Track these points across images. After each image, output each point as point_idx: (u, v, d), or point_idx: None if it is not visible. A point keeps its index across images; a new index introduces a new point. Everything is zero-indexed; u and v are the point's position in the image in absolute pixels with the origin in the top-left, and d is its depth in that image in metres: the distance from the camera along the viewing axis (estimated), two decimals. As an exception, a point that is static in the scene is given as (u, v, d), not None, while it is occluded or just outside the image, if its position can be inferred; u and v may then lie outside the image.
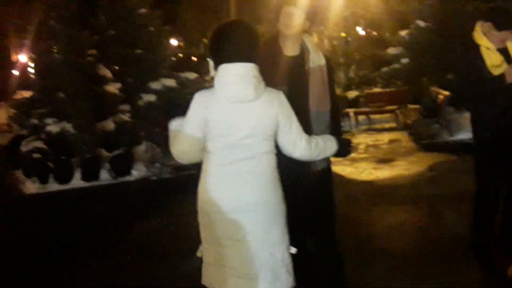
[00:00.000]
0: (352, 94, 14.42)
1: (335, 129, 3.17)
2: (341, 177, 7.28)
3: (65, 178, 8.32)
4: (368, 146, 9.55)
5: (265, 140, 2.67)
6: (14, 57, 16.35)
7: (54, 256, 5.14)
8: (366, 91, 14.18)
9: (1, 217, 6.92)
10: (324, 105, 3.09)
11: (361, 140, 10.29)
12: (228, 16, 26.27)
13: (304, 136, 2.76)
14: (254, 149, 2.65)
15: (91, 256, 5.01)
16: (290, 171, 3.01)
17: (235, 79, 2.59)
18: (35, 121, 9.92)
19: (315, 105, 3.06)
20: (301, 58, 3.12)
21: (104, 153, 8.86)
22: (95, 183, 8.34)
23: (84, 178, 8.36)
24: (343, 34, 18.10)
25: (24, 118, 10.25)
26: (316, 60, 3.11)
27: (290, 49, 3.12)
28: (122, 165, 8.41)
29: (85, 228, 6.03)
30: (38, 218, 6.86)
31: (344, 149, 3.03)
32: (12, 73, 16.64)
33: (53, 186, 8.31)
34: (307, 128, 2.94)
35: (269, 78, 3.08)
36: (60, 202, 7.60)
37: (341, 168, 7.79)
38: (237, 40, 2.63)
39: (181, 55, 20.93)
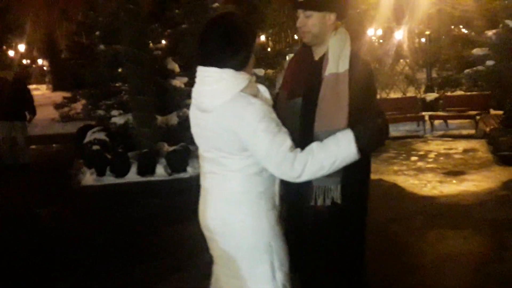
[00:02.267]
0: (431, 96, 13.58)
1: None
2: (399, 190, 6.75)
3: (121, 171, 8.32)
4: (439, 154, 8.85)
5: (233, 155, 2.30)
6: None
7: (102, 253, 5.07)
8: (448, 93, 13.29)
9: (55, 206, 7.02)
10: (335, 122, 2.44)
11: (433, 147, 9.58)
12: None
13: (285, 156, 2.21)
14: (220, 164, 2.35)
15: (139, 257, 4.89)
16: (289, 202, 2.60)
17: (196, 84, 2.34)
18: (101, 112, 10.08)
19: (321, 122, 2.47)
20: (320, 63, 2.59)
21: (165, 147, 8.81)
22: (150, 178, 8.27)
23: (140, 172, 8.31)
24: (427, 32, 17.12)
25: (92, 109, 10.45)
26: (333, 66, 2.51)
27: (317, 53, 2.65)
28: (178, 161, 8.29)
29: (132, 227, 5.92)
30: (87, 211, 6.88)
31: (372, 140, 2.31)
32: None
33: (109, 179, 8.32)
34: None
35: (290, 88, 2.72)
36: (113, 196, 7.58)
37: (403, 179, 7.26)
38: (207, 39, 2.27)
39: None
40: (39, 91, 32.04)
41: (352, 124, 2.42)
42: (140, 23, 8.59)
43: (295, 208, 2.64)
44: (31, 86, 31.63)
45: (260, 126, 2.20)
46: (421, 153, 9.06)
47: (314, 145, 2.29)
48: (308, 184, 2.43)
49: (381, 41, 18.42)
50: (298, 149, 2.27)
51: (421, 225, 5.31)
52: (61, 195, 7.65)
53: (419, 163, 8.23)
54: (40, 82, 36.99)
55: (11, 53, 28.11)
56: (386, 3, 17.99)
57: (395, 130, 11.54)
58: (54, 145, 12.65)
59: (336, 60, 2.53)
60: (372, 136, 2.32)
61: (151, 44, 9.72)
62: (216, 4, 11.23)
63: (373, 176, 7.57)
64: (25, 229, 6.12)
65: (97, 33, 10.52)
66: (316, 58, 2.66)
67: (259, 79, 11.18)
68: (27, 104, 9.48)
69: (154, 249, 5.13)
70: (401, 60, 15.33)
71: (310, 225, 2.60)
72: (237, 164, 2.32)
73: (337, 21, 2.58)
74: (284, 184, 2.46)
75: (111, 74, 9.80)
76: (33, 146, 11.98)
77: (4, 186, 8.45)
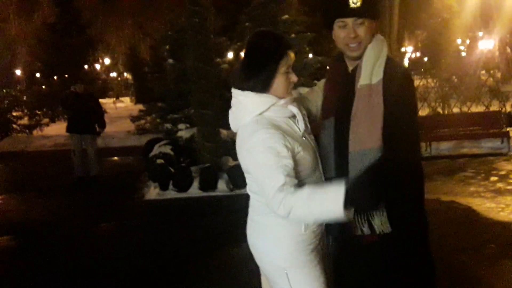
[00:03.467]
0: (520, 110, 12.63)
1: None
2: (473, 214, 6.18)
3: (183, 186, 8.26)
4: (523, 175, 8.12)
5: (249, 178, 2.30)
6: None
7: (155, 273, 4.96)
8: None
9: (116, 220, 7.05)
10: (369, 140, 2.19)
11: (517, 166, 8.83)
12: (390, 22, 25.19)
13: (274, 194, 2.06)
14: (249, 185, 2.34)
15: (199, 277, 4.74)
16: (332, 234, 2.36)
17: None
18: (169, 125, 10.13)
19: (355, 141, 2.22)
20: (353, 75, 2.32)
21: (230, 162, 8.68)
22: (212, 193, 8.16)
23: (202, 187, 8.22)
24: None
25: (160, 122, 10.54)
26: (366, 76, 2.24)
27: (352, 64, 2.38)
28: (240, 177, 8.12)
29: (189, 245, 5.77)
30: (147, 226, 6.82)
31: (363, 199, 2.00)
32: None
33: (172, 193, 8.29)
34: (344, 172, 2.22)
35: (324, 106, 2.47)
36: (174, 211, 7.51)
37: (478, 201, 6.67)
38: (241, 60, 2.26)
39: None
40: (123, 103, 33.27)
41: (386, 143, 2.16)
42: (205, 37, 8.54)
43: (342, 243, 2.37)
44: (115, 99, 33.08)
45: (258, 158, 2.13)
46: (503, 173, 8.34)
47: (305, 190, 2.07)
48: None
49: (463, 51, 17.47)
50: (291, 189, 2.06)
51: (492, 255, 4.79)
52: (123, 209, 7.69)
53: (499, 184, 7.56)
54: (124, 94, 38.48)
55: (97, 66, 29.48)
56: (470, 11, 17.10)
57: (475, 147, 10.82)
58: (126, 157, 12.90)
59: (370, 70, 2.26)
60: (366, 195, 2.00)
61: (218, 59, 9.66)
62: (285, 16, 11.05)
63: (445, 198, 7.09)
64: (85, 243, 6.15)
65: (167, 47, 10.62)
66: (350, 69, 2.39)
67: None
68: (97, 117, 9.69)
69: (210, 269, 4.94)
70: (483, 71, 14.37)
71: (362, 262, 2.31)
72: (253, 186, 2.29)
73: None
74: None
75: (179, 88, 9.82)
76: (107, 158, 12.31)
77: (72, 198, 8.64)
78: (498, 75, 17.02)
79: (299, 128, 2.24)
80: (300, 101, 2.42)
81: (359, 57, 2.32)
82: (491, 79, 13.96)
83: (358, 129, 2.22)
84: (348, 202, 1.96)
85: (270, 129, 2.13)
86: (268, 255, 2.29)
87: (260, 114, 2.18)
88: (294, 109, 2.24)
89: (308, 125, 2.33)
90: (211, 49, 8.86)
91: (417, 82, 14.46)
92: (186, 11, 8.78)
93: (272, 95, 2.20)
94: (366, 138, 2.20)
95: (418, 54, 31.65)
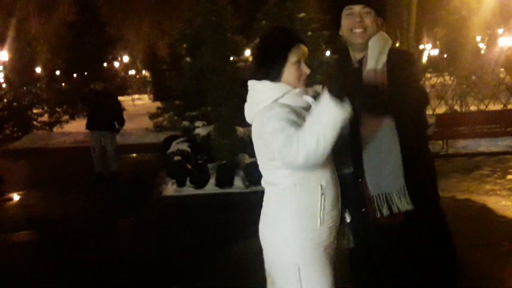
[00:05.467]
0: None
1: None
2: (488, 212, 6.19)
3: (200, 182, 8.37)
4: (541, 172, 8.09)
5: (266, 166, 2.36)
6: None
7: (168, 268, 5.06)
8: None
9: (133, 216, 7.18)
10: (378, 122, 2.28)
11: (535, 164, 8.78)
12: (409, 19, 25.03)
13: (291, 147, 2.09)
14: (263, 176, 2.43)
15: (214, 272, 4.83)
16: (352, 227, 2.45)
17: None
18: (186, 123, 10.24)
19: (365, 126, 2.31)
20: (360, 67, 2.43)
21: (246, 159, 8.77)
22: (228, 190, 8.26)
23: (218, 184, 8.32)
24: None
25: (177, 120, 10.66)
26: (372, 63, 2.35)
27: (357, 57, 2.50)
28: (255, 173, 8.19)
29: (203, 241, 5.85)
30: (163, 223, 6.95)
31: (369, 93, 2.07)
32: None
33: (189, 189, 8.40)
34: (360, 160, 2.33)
35: None
36: (191, 208, 7.62)
37: (494, 199, 6.67)
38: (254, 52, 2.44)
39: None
40: (141, 101, 33.54)
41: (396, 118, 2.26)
42: (222, 35, 8.62)
43: (361, 232, 2.43)
44: (134, 96, 33.35)
45: (274, 125, 2.17)
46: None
47: (303, 126, 2.14)
48: (363, 196, 2.31)
49: (483, 48, 17.32)
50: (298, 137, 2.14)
51: (506, 253, 4.81)
52: (142, 205, 7.82)
53: (516, 183, 7.55)
54: (143, 92, 38.74)
55: (116, 64, 29.71)
56: (488, 8, 16.94)
57: (492, 145, 10.76)
58: (144, 154, 13.06)
59: (376, 57, 2.37)
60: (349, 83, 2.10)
61: (234, 57, 9.74)
62: (302, 14, 11.08)
63: (460, 196, 7.11)
64: (104, 238, 6.29)
65: (185, 45, 10.72)
66: (356, 64, 2.49)
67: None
68: (116, 114, 9.83)
69: (226, 264, 5.03)
70: (502, 69, 14.25)
71: (385, 246, 2.37)
72: (269, 176, 2.34)
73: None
74: (344, 206, 2.35)
75: (196, 86, 9.92)
76: (125, 155, 12.47)
77: (91, 194, 8.80)
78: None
79: None
80: (317, 94, 2.49)
81: (363, 47, 2.42)
82: (508, 76, 13.84)
83: (367, 114, 2.28)
84: (338, 98, 2.02)
85: (286, 108, 2.22)
86: (281, 250, 2.28)
87: (275, 101, 2.27)
88: (309, 99, 2.31)
89: None
90: (228, 47, 8.94)
91: (434, 79, 14.44)
92: (203, 9, 8.85)
93: (286, 84, 2.29)
94: (375, 121, 2.29)
95: (437, 51, 31.38)
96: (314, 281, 2.23)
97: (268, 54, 2.30)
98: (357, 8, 2.40)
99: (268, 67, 2.29)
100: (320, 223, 2.23)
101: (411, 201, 2.25)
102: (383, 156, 2.27)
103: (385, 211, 2.27)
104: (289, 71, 2.29)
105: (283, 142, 2.11)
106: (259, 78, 2.32)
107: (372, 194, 2.29)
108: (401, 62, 2.35)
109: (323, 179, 2.25)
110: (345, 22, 2.45)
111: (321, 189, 2.23)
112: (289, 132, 2.11)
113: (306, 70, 2.33)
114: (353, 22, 2.41)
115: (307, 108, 2.29)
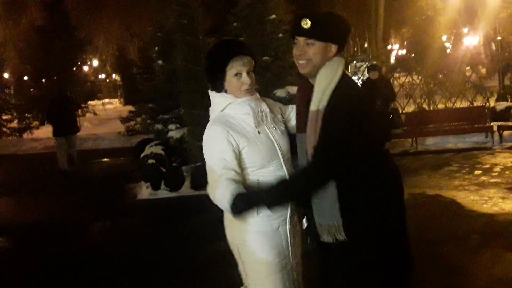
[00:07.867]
0: (502, 105, 12.84)
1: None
2: (457, 206, 6.37)
3: (175, 185, 8.39)
4: (505, 168, 8.32)
5: None
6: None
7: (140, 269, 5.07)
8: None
9: (108, 220, 7.16)
10: None
11: (500, 160, 9.03)
12: (376, 20, 25.38)
13: (212, 184, 2.53)
14: None
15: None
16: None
17: None
18: (159, 126, 10.24)
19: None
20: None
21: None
22: (203, 192, 8.23)
23: (193, 186, 8.35)
24: (498, 38, 16.32)
25: (150, 123, 10.64)
26: (315, 101, 2.35)
27: (313, 82, 2.45)
28: (230, 176, 8.27)
29: (178, 242, 5.87)
30: (139, 225, 6.94)
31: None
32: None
33: (164, 192, 8.42)
34: None
35: (296, 122, 2.64)
36: (166, 210, 7.64)
37: (462, 194, 6.86)
38: None
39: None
40: (112, 105, 33.33)
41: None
42: (194, 38, 8.66)
43: (321, 246, 2.54)
44: (105, 100, 33.07)
45: (205, 149, 2.50)
46: (486, 166, 8.55)
47: (225, 187, 2.37)
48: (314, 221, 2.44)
49: (449, 48, 17.71)
50: (224, 182, 2.36)
51: (476, 246, 4.96)
52: (116, 209, 7.80)
53: (483, 178, 7.76)
54: (113, 96, 38.42)
55: (85, 68, 29.40)
56: (453, 8, 17.34)
57: (460, 142, 11.04)
58: (117, 159, 12.99)
59: (319, 96, 2.36)
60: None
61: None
62: (273, 16, 11.18)
63: (430, 192, 7.29)
64: (79, 242, 6.26)
65: (156, 48, 10.72)
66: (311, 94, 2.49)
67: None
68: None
69: (202, 265, 5.09)
70: (468, 67, 14.62)
71: (325, 261, 2.58)
72: None
73: (336, 53, 2.42)
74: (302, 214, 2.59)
75: (168, 89, 9.94)
76: (98, 160, 12.38)
77: (64, 198, 8.75)
78: (483, 71, 17.29)
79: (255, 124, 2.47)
80: (289, 95, 2.59)
81: (310, 76, 2.43)
82: (474, 74, 14.21)
83: (309, 150, 2.37)
84: (236, 203, 2.29)
85: (218, 126, 2.45)
86: (228, 232, 2.64)
87: (222, 111, 2.49)
88: (248, 108, 2.48)
89: (273, 120, 2.56)
90: (200, 49, 8.96)
91: (402, 79, 14.75)
92: (174, 12, 8.88)
93: (231, 95, 2.50)
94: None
95: (404, 51, 31.90)
96: (251, 260, 2.53)
97: (209, 69, 2.54)
98: (300, 39, 2.39)
99: (212, 81, 2.53)
100: (258, 212, 2.43)
101: (346, 234, 2.34)
102: (321, 192, 2.35)
103: (326, 238, 2.39)
104: (229, 83, 2.48)
105: (210, 181, 2.46)
106: (211, 89, 2.57)
107: (316, 220, 2.41)
108: (336, 110, 2.31)
109: (261, 176, 2.49)
110: (293, 51, 2.47)
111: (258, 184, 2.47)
112: (214, 177, 2.41)
113: (247, 81, 2.46)
114: (296, 54, 2.42)
115: (253, 114, 2.48)
